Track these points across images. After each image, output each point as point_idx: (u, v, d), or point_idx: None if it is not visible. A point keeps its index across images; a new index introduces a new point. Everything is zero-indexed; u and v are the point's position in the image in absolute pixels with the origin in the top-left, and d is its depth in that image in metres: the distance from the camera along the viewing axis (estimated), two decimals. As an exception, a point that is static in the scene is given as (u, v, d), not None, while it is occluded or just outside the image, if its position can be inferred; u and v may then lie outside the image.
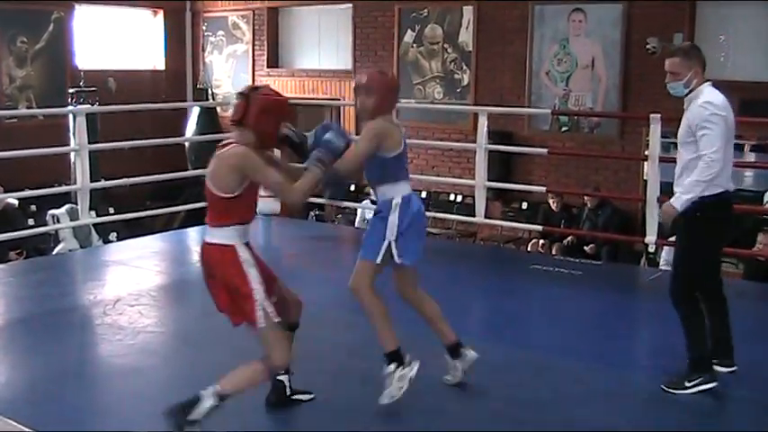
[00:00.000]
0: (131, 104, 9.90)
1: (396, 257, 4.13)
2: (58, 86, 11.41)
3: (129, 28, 12.90)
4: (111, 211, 10.21)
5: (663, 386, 4.43)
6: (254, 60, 13.02)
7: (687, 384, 4.38)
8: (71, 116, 8.04)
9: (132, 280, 6.69)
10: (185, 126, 12.12)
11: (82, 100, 10.67)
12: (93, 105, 10.37)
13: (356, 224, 10.70)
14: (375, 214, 4.27)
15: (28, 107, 11.38)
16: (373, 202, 5.97)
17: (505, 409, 4.26)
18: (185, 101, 13.27)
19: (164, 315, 5.94)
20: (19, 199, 9.25)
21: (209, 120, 12.32)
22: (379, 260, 4.13)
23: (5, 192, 8.92)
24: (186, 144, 12.26)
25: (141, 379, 4.61)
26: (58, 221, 8.78)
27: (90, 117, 8.46)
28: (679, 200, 4.29)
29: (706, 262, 4.49)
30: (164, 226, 9.95)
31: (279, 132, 3.78)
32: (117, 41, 12.71)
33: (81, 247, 8.62)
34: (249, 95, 3.68)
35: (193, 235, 9.01)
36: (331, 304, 5.72)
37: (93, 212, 8.40)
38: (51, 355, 4.95)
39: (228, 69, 13.25)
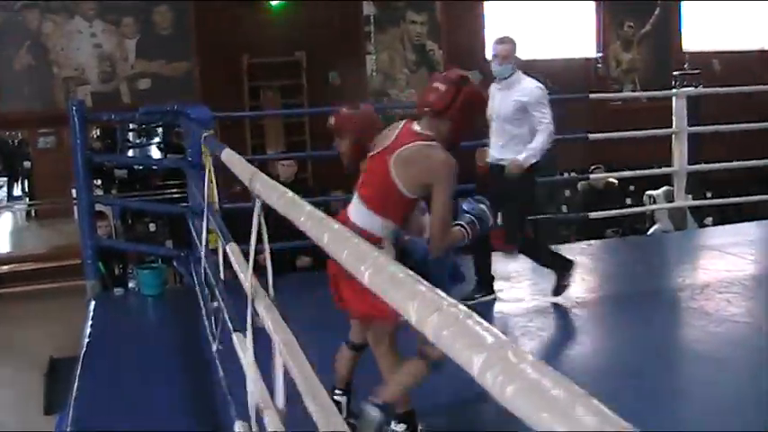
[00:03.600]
0: (735, 86, 9.60)
1: None
2: (662, 69, 11.49)
3: (736, 8, 12.47)
4: (708, 195, 10.02)
5: None
6: None
7: None
8: (674, 99, 8.02)
9: (724, 266, 6.50)
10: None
11: (685, 82, 10.62)
12: (696, 88, 10.27)
13: None
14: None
15: (632, 90, 11.66)
16: None
17: None
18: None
19: (754, 306, 5.68)
20: (619, 179, 9.54)
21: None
22: None
23: (607, 171, 9.26)
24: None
25: (718, 368, 4.47)
26: (655, 202, 8.86)
27: (692, 100, 8.39)
28: (527, 159, 5.24)
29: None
30: (764, 213, 9.49)
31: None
32: (723, 22, 12.37)
33: (675, 230, 8.60)
34: (459, 85, 3.23)
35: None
36: None
37: (689, 196, 8.33)
38: (636, 332, 5.03)
39: None
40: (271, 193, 1.89)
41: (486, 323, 0.83)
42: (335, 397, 3.56)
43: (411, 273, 1.00)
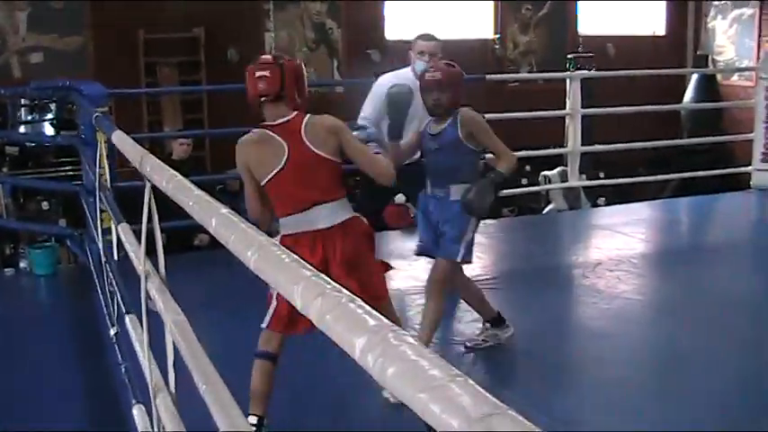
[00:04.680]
0: (628, 70, 9.85)
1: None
2: (558, 52, 11.69)
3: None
4: (602, 175, 10.28)
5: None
6: (760, 25, 12.20)
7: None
8: (568, 81, 8.19)
9: (615, 245, 6.70)
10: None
11: (579, 65, 10.84)
12: (590, 70, 10.49)
13: None
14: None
15: (529, 71, 11.84)
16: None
17: None
18: (685, 67, 12.87)
19: (643, 283, 5.87)
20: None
21: (708, 87, 11.84)
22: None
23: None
24: (682, 112, 11.93)
25: (610, 343, 4.62)
26: (550, 182, 9.05)
27: (586, 82, 8.57)
28: None
29: None
30: (654, 194, 9.80)
31: None
32: (618, 8, 12.65)
33: (570, 209, 8.81)
34: (280, 64, 3.31)
35: (684, 205, 8.78)
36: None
37: (583, 176, 8.53)
38: (530, 310, 5.14)
39: (732, 35, 12.59)
40: (160, 175, 1.87)
41: (368, 307, 0.85)
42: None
43: (296, 258, 1.01)
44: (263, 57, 3.38)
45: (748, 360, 4.35)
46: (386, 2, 11.10)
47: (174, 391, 2.16)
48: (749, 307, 5.20)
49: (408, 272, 5.70)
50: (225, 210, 1.35)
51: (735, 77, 12.39)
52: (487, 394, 0.71)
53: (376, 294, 3.29)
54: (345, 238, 3.26)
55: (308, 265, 0.99)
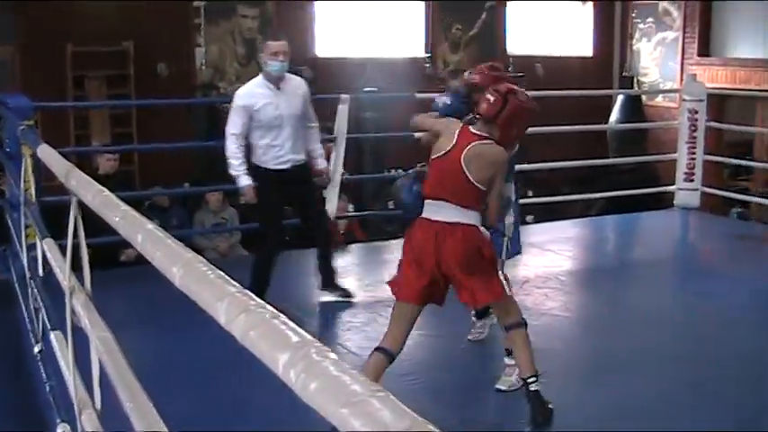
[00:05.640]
0: (556, 90, 10.00)
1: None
2: (489, 71, 11.80)
3: (559, 16, 13.00)
4: (530, 193, 10.40)
5: None
6: (683, 48, 12.52)
7: None
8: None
9: (543, 263, 6.79)
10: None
11: (509, 85, 10.96)
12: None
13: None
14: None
15: (458, 91, 11.92)
16: None
17: None
18: (611, 88, 13.13)
19: (569, 300, 5.97)
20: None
21: (634, 108, 12.09)
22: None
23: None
24: (608, 132, 12.16)
25: (537, 359, 4.66)
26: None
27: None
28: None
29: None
30: (581, 212, 9.96)
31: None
32: (546, 29, 12.87)
33: (499, 227, 8.89)
34: (507, 97, 3.70)
35: (610, 223, 8.94)
36: (743, 307, 5.41)
37: (512, 194, 8.60)
38: (458, 327, 5.16)
39: (657, 57, 12.89)
40: (87, 190, 1.85)
41: (291, 323, 0.86)
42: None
43: (222, 274, 1.02)
44: (500, 86, 3.77)
45: (673, 375, 4.44)
46: (317, 19, 11.11)
47: (99, 408, 2.14)
48: (673, 323, 5.32)
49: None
50: (151, 225, 1.35)
51: (659, 99, 12.69)
52: (407, 409, 0.72)
53: (491, 291, 3.81)
54: (459, 238, 3.65)
55: (233, 282, 1.00)
